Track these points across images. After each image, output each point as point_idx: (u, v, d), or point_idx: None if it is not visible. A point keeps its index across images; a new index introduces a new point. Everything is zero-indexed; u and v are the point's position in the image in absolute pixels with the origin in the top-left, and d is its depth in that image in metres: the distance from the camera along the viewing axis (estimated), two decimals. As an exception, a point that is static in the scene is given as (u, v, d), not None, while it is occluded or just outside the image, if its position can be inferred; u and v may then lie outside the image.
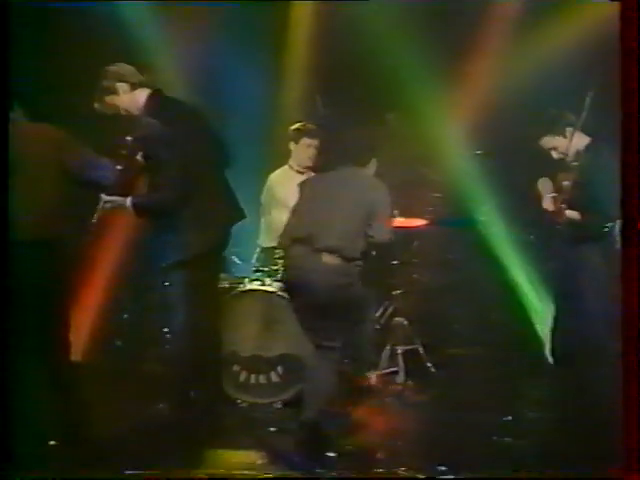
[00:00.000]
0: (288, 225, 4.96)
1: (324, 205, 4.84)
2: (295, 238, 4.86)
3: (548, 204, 4.95)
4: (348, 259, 4.75)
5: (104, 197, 4.63)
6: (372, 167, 5.07)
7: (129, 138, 4.63)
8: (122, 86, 4.75)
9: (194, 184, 4.71)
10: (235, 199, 5.00)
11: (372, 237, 4.77)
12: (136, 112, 4.81)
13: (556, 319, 5.15)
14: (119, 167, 4.62)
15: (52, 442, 4.36)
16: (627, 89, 3.56)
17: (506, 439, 4.68)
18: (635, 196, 3.53)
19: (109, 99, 4.76)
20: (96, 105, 4.78)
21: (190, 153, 4.71)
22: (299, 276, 4.84)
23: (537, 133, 5.02)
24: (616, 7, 3.98)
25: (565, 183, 4.92)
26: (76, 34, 6.27)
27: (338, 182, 4.92)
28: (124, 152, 4.63)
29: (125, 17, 6.50)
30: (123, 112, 4.80)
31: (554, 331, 5.17)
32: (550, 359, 5.26)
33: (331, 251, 4.70)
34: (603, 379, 4.56)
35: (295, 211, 4.92)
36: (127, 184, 4.72)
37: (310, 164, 5.97)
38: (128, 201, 4.65)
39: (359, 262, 4.84)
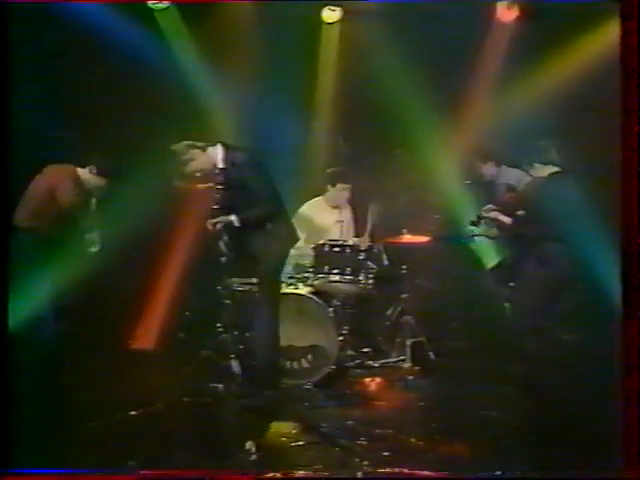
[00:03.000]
0: None
1: None
2: None
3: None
4: None
5: (211, 221, 5.27)
6: (490, 167, 6.51)
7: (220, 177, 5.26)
8: (196, 152, 5.29)
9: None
10: (291, 222, 5.68)
11: None
12: (212, 167, 5.27)
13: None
14: (217, 195, 5.24)
15: (133, 412, 5.09)
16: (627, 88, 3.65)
17: (492, 413, 5.22)
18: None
19: (189, 167, 5.26)
20: (177, 183, 5.30)
21: (271, 179, 5.38)
22: None
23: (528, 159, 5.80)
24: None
25: (507, 194, 5.82)
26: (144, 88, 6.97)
27: None
28: (220, 187, 5.26)
29: (184, 76, 7.27)
30: (199, 174, 5.29)
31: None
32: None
33: None
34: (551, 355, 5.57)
35: None
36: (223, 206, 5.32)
37: (345, 204, 6.71)
38: (233, 217, 5.26)
39: None
